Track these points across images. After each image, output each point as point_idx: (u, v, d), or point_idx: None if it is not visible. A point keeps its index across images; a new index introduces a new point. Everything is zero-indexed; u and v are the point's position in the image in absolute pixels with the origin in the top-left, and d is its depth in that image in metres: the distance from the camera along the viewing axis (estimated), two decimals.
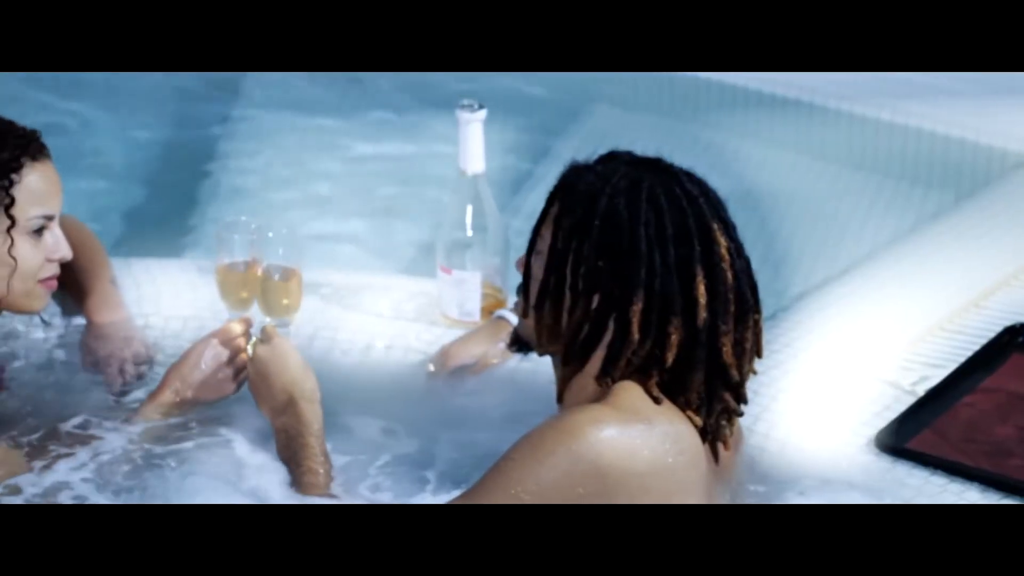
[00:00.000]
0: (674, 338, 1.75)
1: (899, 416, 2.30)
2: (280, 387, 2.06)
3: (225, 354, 2.23)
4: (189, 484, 2.02)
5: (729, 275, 1.78)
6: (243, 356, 2.21)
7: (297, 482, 1.97)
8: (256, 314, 2.35)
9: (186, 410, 2.23)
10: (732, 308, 1.78)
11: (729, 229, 1.82)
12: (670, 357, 1.76)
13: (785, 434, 2.27)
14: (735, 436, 1.95)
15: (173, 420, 2.23)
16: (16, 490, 2.02)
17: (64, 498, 2.01)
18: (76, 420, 2.28)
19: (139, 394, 2.39)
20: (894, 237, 3.44)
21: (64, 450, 2.17)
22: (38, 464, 2.10)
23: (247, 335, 2.22)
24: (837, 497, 2.07)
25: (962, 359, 2.51)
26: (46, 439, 2.20)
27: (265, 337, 2.11)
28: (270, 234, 2.33)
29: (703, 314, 1.76)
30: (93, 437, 2.21)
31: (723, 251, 1.78)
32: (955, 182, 3.79)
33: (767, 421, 2.30)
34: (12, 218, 2.09)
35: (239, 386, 2.25)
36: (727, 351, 1.78)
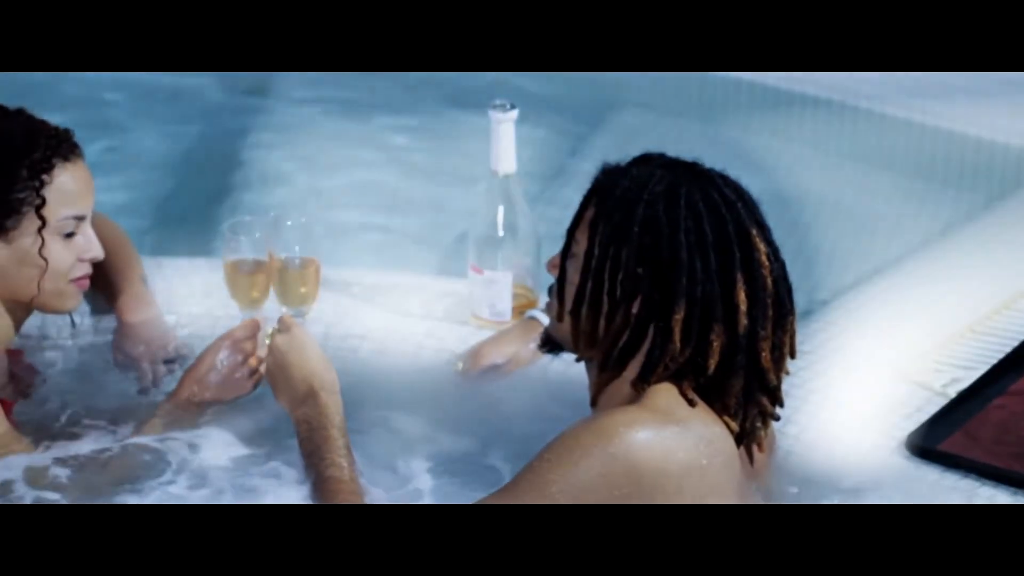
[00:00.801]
0: (716, 345, 1.75)
1: (930, 418, 2.30)
2: (300, 377, 2.04)
3: (239, 354, 2.24)
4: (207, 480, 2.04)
5: (768, 280, 1.78)
6: (254, 358, 2.21)
7: (320, 476, 1.96)
8: (270, 311, 2.36)
9: (203, 410, 2.24)
10: (770, 313, 1.78)
11: (766, 233, 1.82)
12: (712, 364, 1.76)
13: (816, 435, 2.27)
14: (768, 438, 1.95)
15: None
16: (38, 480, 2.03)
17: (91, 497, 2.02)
18: (106, 419, 2.30)
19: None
20: (925, 239, 3.42)
21: (93, 447, 2.19)
22: (69, 466, 2.11)
23: (259, 334, 2.23)
24: (868, 498, 2.06)
25: (993, 361, 2.49)
26: (75, 435, 2.21)
27: (284, 327, 2.10)
28: (288, 222, 2.34)
29: (744, 320, 1.75)
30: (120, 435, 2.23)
31: (762, 257, 1.78)
32: (986, 184, 3.77)
33: (798, 423, 2.29)
34: (43, 219, 2.08)
35: (255, 385, 2.26)
36: (765, 356, 1.78)
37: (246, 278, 2.35)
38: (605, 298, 1.80)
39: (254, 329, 2.24)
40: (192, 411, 2.23)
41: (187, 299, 2.71)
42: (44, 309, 2.30)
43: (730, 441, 1.81)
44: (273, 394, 2.13)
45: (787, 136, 4.15)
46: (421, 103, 4.15)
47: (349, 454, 1.99)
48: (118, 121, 4.11)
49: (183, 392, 2.25)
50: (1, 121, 2.15)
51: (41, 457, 2.12)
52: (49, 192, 2.08)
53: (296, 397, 2.05)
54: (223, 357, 2.23)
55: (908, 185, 3.95)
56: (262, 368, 2.18)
